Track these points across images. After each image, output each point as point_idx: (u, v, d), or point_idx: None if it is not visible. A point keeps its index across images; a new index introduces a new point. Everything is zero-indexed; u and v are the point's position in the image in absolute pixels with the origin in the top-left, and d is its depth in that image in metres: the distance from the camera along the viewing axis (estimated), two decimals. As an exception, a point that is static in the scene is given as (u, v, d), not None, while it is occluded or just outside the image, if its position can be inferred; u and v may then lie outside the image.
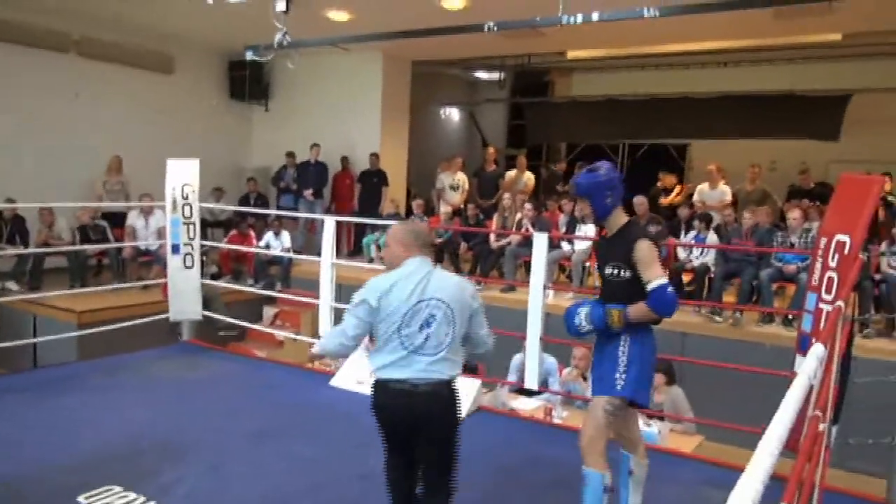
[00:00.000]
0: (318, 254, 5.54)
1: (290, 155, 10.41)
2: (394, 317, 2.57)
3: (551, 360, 5.36)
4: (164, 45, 10.27)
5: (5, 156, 8.36)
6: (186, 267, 5.72)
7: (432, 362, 2.57)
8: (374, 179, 10.28)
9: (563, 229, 8.13)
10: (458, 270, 8.24)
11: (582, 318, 2.89)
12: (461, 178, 10.14)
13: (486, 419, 4.63)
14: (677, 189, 9.47)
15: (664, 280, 2.76)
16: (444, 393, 2.62)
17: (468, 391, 4.69)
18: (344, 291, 5.54)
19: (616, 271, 2.86)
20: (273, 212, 9.39)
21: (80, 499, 3.14)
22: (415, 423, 2.61)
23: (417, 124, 11.96)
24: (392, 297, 2.58)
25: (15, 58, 8.59)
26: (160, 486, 3.33)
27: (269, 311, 9.00)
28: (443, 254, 8.42)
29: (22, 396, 4.40)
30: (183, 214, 5.69)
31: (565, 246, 7.96)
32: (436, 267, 2.71)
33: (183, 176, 5.75)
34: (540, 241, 4.74)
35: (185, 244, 5.71)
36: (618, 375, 2.83)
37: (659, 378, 4.91)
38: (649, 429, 4.39)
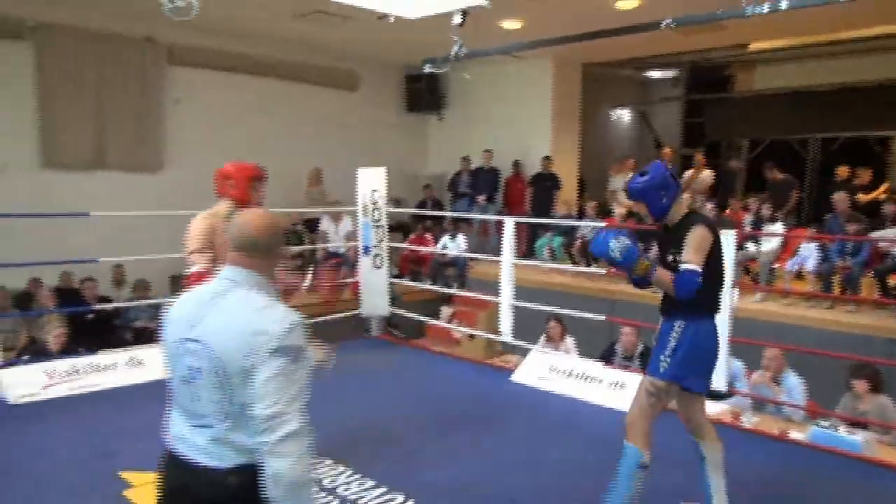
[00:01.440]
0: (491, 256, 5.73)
1: (465, 159, 10.80)
2: (166, 351, 1.84)
3: (738, 364, 5.15)
4: (349, 63, 11.08)
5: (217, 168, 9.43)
6: (376, 267, 6.15)
7: (209, 439, 1.72)
8: (547, 183, 10.37)
9: (748, 229, 7.73)
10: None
11: (617, 246, 2.85)
12: (634, 179, 9.94)
13: (668, 420, 4.55)
14: (883, 186, 8.69)
15: (697, 268, 2.76)
16: (222, 494, 1.71)
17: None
18: (519, 293, 5.71)
19: (675, 257, 2.89)
20: (449, 214, 9.79)
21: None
22: None
23: (588, 127, 11.90)
24: (169, 318, 1.83)
25: (224, 81, 9.71)
26: (361, 463, 3.66)
27: (446, 311, 9.37)
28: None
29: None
30: (372, 218, 6.13)
31: (750, 246, 7.57)
32: (253, 288, 1.76)
33: (372, 183, 6.20)
34: (727, 239, 4.58)
35: (375, 246, 6.14)
36: (663, 357, 2.91)
37: (862, 385, 4.56)
38: (852, 437, 4.10)
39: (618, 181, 10.00)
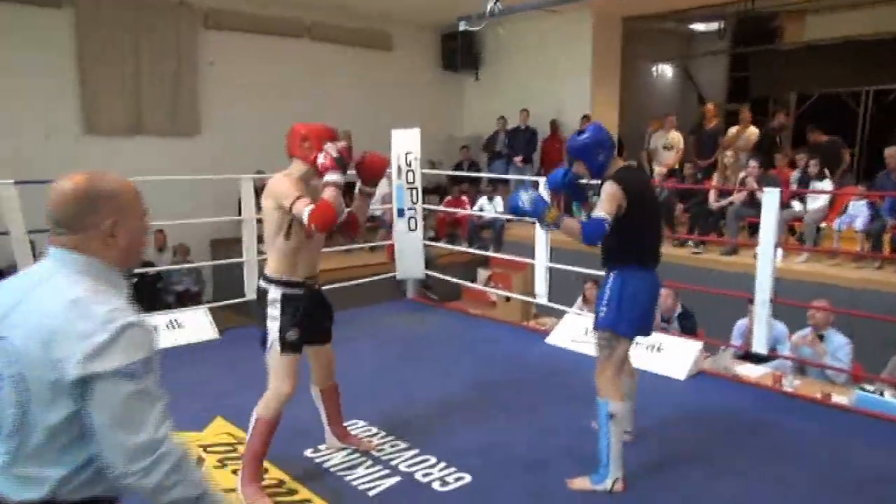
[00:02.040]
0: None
1: (502, 119, 10.63)
2: None
3: (781, 327, 5.02)
4: (383, 24, 10.94)
5: (265, 132, 9.36)
6: (410, 230, 6.12)
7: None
8: (585, 142, 10.15)
9: (794, 187, 7.47)
10: (673, 233, 7.95)
11: (526, 197, 3.00)
12: (675, 136, 9.68)
13: (707, 382, 4.48)
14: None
15: (603, 216, 2.90)
16: None
17: (688, 353, 4.57)
18: (555, 255, 5.63)
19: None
20: (485, 175, 9.68)
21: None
22: None
23: (628, 83, 11.57)
24: None
25: (259, 44, 9.69)
26: (395, 424, 3.68)
27: (482, 274, 9.35)
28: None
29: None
30: (406, 180, 6.08)
31: (796, 205, 7.33)
32: (77, 273, 1.38)
33: (406, 144, 6.13)
34: (771, 197, 4.43)
35: (409, 208, 6.11)
36: (600, 308, 3.11)
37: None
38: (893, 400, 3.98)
39: (657, 138, 9.74)
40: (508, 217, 8.77)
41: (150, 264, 7.83)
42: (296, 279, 2.94)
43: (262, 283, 2.96)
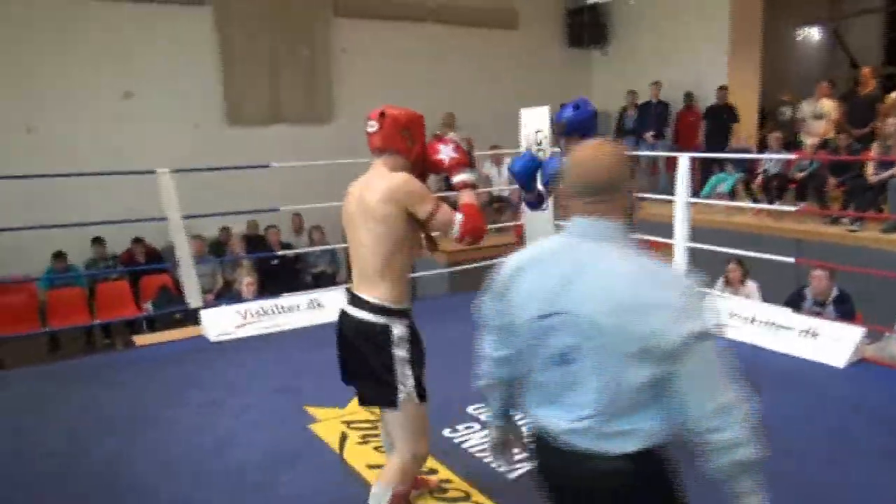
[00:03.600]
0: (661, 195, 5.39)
1: (631, 93, 10.23)
2: (520, 329, 1.55)
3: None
4: (508, 2, 10.82)
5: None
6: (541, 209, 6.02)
7: (589, 427, 1.46)
8: (723, 116, 9.59)
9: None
10: (824, 209, 7.35)
11: (533, 155, 2.83)
12: (827, 104, 8.91)
13: (870, 371, 4.12)
14: None
15: None
16: (620, 483, 1.47)
17: (848, 339, 4.22)
18: (693, 234, 5.35)
19: None
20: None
21: (469, 409, 3.61)
22: None
23: (770, 50, 10.77)
24: (514, 290, 1.56)
25: (386, 30, 9.86)
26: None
27: (612, 254, 9.08)
28: (805, 190, 7.57)
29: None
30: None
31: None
32: (611, 241, 1.46)
33: (535, 123, 6.03)
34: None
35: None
36: None
37: None
38: None
39: (806, 107, 9.02)
40: (640, 195, 8.47)
41: (289, 246, 8.21)
42: (408, 306, 2.37)
43: (375, 317, 2.26)
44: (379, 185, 2.25)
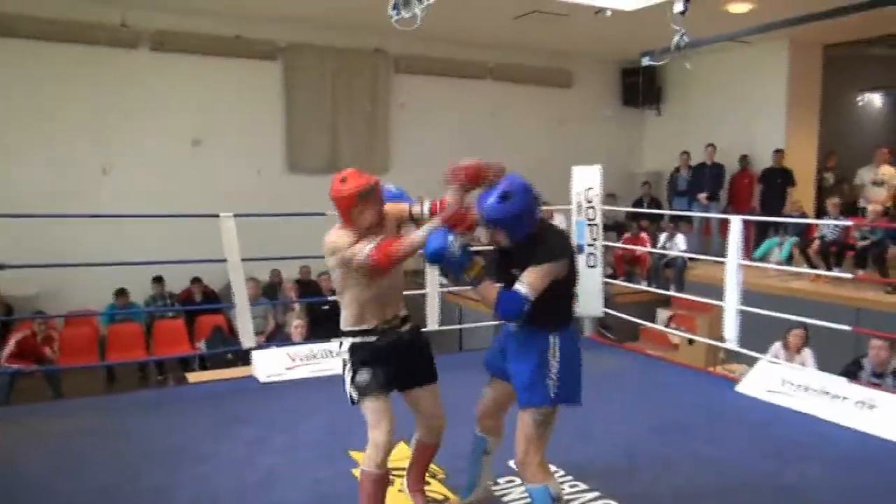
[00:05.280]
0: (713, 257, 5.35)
1: (685, 154, 10.24)
2: None
3: None
4: (564, 62, 11.06)
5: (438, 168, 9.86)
6: (590, 266, 6.04)
7: None
8: (778, 179, 9.50)
9: None
10: (884, 276, 7.16)
11: (456, 241, 2.55)
12: (888, 170, 8.76)
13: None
14: None
15: (530, 295, 2.49)
16: None
17: None
18: (747, 298, 5.27)
19: (518, 271, 2.57)
20: (667, 212, 9.35)
21: (510, 462, 3.59)
22: None
23: (829, 115, 10.68)
24: None
25: (445, 86, 10.17)
26: (573, 465, 3.60)
27: (662, 314, 8.97)
28: (865, 258, 7.39)
29: (449, 374, 5.17)
30: (587, 217, 6.04)
31: None
32: None
33: (586, 181, 6.10)
34: None
35: (589, 245, 6.04)
36: (547, 381, 2.67)
37: None
38: None
39: (865, 174, 8.88)
40: (692, 256, 8.39)
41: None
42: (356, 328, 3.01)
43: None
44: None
